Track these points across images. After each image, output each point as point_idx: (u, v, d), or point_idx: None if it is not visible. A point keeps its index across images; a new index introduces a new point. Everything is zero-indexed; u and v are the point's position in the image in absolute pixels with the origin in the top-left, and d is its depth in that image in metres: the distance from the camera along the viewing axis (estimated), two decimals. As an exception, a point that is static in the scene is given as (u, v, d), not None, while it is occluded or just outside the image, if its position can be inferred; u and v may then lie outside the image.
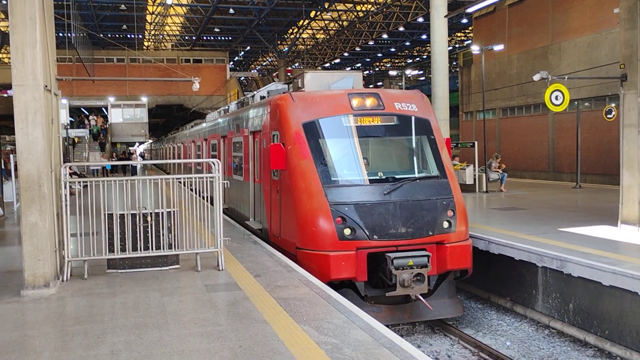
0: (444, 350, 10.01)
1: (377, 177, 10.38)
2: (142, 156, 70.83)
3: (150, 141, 68.52)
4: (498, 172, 22.22)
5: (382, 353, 5.48)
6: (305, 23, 46.12)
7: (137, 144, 59.08)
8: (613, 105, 23.15)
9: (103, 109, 50.61)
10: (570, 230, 12.57)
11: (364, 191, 10.08)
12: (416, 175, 10.70)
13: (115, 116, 45.27)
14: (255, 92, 15.52)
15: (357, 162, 10.53)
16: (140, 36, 52.05)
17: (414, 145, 11.21)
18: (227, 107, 20.19)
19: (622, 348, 9.22)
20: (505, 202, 18.42)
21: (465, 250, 10.39)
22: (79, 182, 9.07)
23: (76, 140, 38.38)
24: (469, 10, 16.02)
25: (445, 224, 10.24)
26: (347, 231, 9.73)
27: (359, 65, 67.65)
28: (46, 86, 8.06)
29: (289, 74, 49.36)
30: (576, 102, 24.39)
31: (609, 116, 22.65)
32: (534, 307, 11.20)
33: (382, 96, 11.10)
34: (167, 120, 67.87)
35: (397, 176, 10.47)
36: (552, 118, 28.65)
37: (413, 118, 11.12)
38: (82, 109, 51.73)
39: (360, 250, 9.77)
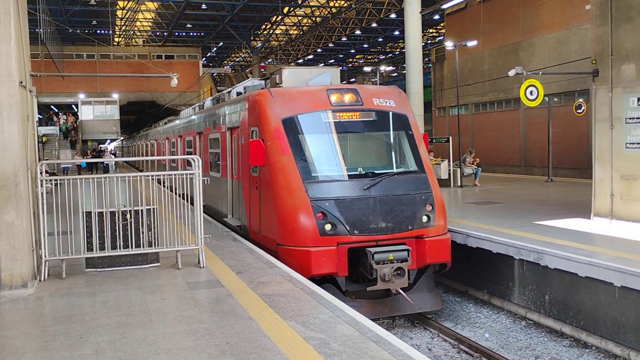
0: (424, 344, 10.11)
1: (357, 173, 10.43)
2: (114, 154, 69.85)
3: (122, 138, 67.61)
4: (472, 166, 22.48)
5: (370, 347, 5.51)
6: (278, 19, 45.95)
7: (108, 141, 58.22)
8: (581, 100, 23.60)
9: (73, 106, 49.73)
10: (545, 223, 12.79)
11: (344, 186, 10.15)
12: (395, 170, 10.80)
13: (86, 113, 44.44)
14: (231, 88, 15.47)
15: (336, 158, 10.57)
16: (111, 32, 51.25)
17: (392, 140, 11.27)
18: (202, 104, 20.00)
19: (597, 338, 9.42)
20: (480, 197, 18.66)
21: (444, 244, 10.51)
22: (56, 180, 8.92)
23: (44, 138, 37.65)
24: (444, 6, 16.16)
25: (424, 219, 10.33)
26: (327, 227, 9.76)
27: (332, 61, 67.68)
28: (21, 82, 7.91)
29: (262, 70, 49.17)
30: (547, 98, 24.79)
31: (578, 111, 23.09)
32: (511, 300, 11.38)
33: (360, 92, 11.16)
34: (138, 117, 67.09)
35: (376, 171, 10.54)
36: (523, 113, 29.06)
37: (391, 114, 11.19)
38: (51, 106, 50.81)
39: (341, 245, 9.82)
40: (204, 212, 14.24)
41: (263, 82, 14.06)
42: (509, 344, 10.00)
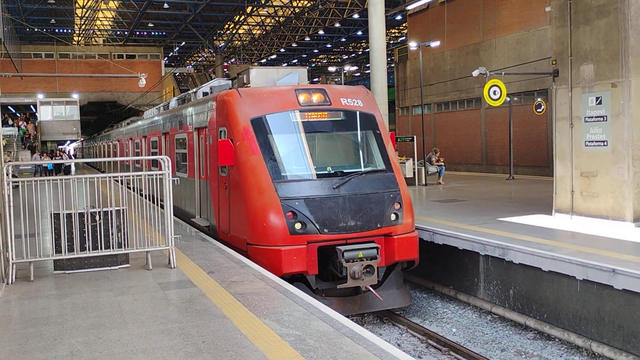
0: (394, 339, 10.28)
1: (326, 172, 10.51)
2: (75, 155, 68.49)
3: (81, 139, 66.40)
4: (438, 164, 22.86)
5: (345, 342, 5.62)
6: (241, 19, 45.81)
7: (68, 142, 57.09)
8: (540, 99, 24.23)
9: (32, 106, 48.63)
10: (508, 219, 13.13)
11: (314, 186, 10.22)
12: (363, 169, 10.90)
13: (45, 114, 43.58)
14: (197, 88, 15.34)
15: (305, 157, 10.62)
16: (70, 31, 50.32)
17: (360, 140, 11.37)
18: (166, 104, 19.78)
19: (560, 330, 9.74)
20: (444, 195, 18.99)
21: (412, 241, 10.68)
22: (23, 181, 8.78)
23: (4, 141, 36.75)
24: (410, 7, 16.40)
25: (393, 217, 10.46)
26: (297, 226, 9.82)
27: (295, 61, 67.75)
28: (-13, 83, 7.78)
29: (225, 70, 48.92)
30: (507, 97, 25.35)
31: (538, 110, 23.70)
32: (476, 295, 11.65)
33: (328, 92, 11.23)
34: (99, 117, 65.96)
35: (345, 170, 10.63)
36: (484, 112, 29.66)
37: (359, 113, 11.30)
38: (8, 107, 49.58)
39: (311, 244, 9.89)
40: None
41: (229, 82, 14.02)
42: (475, 338, 10.25)
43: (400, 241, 10.48)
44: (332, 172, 10.54)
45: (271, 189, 10.00)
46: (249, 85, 11.99)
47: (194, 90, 15.65)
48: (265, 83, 12.06)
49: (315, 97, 11.03)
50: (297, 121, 10.77)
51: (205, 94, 14.40)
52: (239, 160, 10.49)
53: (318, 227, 9.88)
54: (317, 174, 10.43)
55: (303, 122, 10.79)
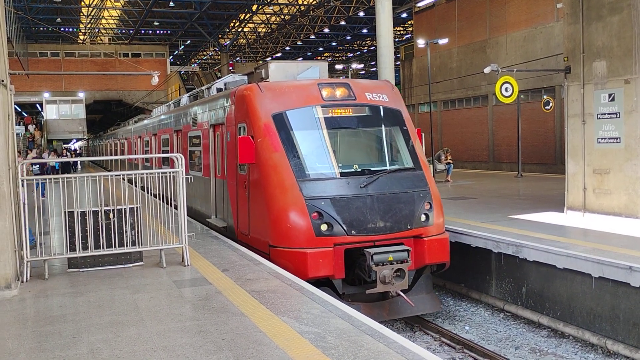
0: (407, 337, 10.25)
1: (352, 170, 10.05)
2: (80, 154, 68.62)
3: (87, 138, 66.54)
4: (446, 162, 22.85)
5: (365, 339, 5.60)
6: (247, 17, 45.77)
7: (73, 140, 57.22)
8: (547, 97, 24.16)
9: (37, 105, 48.75)
10: (520, 217, 13.08)
11: (340, 185, 9.75)
12: (391, 167, 10.43)
13: (50, 112, 43.73)
14: (210, 84, 14.93)
15: (331, 155, 10.17)
16: (76, 29, 50.38)
17: (387, 136, 10.89)
18: (177, 100, 19.31)
19: (574, 328, 9.69)
20: (453, 192, 18.94)
21: (443, 243, 10.21)
22: (39, 179, 8.78)
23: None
24: (419, 4, 16.35)
25: (423, 217, 9.98)
26: (323, 227, 9.34)
27: (300, 59, 67.70)
28: (2, 81, 7.78)
29: (231, 68, 48.93)
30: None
31: (547, 107, 23.61)
32: (489, 292, 11.61)
33: (352, 86, 10.78)
34: (105, 116, 66.07)
35: (372, 168, 10.17)
36: (491, 110, 29.58)
37: (385, 109, 10.84)
38: (15, 106, 49.63)
39: (338, 246, 9.39)
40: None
41: (245, 77, 13.47)
42: (488, 336, 10.21)
43: (431, 243, 10.00)
44: (359, 170, 10.07)
45: (295, 188, 9.53)
46: (267, 80, 11.47)
47: (207, 86, 15.21)
48: (284, 78, 11.48)
49: (339, 92, 10.56)
50: (321, 117, 10.29)
51: (219, 89, 13.96)
52: (260, 157, 10.00)
53: (345, 229, 9.39)
54: (343, 173, 9.96)
55: (327, 117, 10.31)
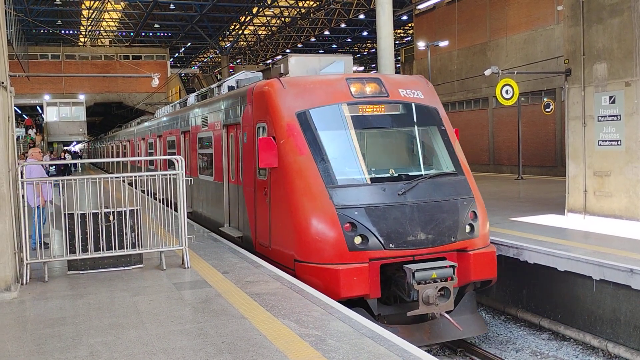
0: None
1: (388, 175, 9.03)
2: (80, 156, 68.68)
3: (87, 140, 66.63)
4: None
5: (366, 343, 5.59)
6: (247, 19, 45.83)
7: (74, 143, 57.25)
8: (545, 99, 24.18)
9: (38, 107, 48.80)
10: (521, 219, 13.06)
11: (375, 192, 8.70)
12: (431, 172, 9.35)
13: (51, 115, 43.78)
14: (221, 82, 13.94)
15: (363, 158, 9.19)
16: (76, 32, 50.44)
17: (424, 137, 9.85)
18: (184, 100, 18.45)
19: (575, 330, 9.67)
20: (453, 195, 18.89)
21: (490, 257, 9.12)
22: (38, 181, 8.78)
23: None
24: (420, 6, 16.36)
25: (467, 228, 8.93)
26: (357, 239, 8.30)
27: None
28: (2, 83, 7.77)
29: (231, 70, 48.95)
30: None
31: (547, 110, 23.63)
32: (489, 295, 11.59)
33: (384, 82, 9.76)
34: (105, 118, 66.14)
35: (410, 173, 9.15)
36: (491, 113, 29.60)
37: (421, 106, 9.82)
38: (15, 108, 49.69)
39: (373, 261, 8.33)
40: (191, 219, 13.80)
41: (259, 74, 12.44)
42: (489, 339, 10.19)
43: (477, 257, 8.92)
44: (395, 175, 9.03)
45: (324, 196, 8.51)
46: (287, 75, 10.47)
47: (217, 84, 14.31)
48: (305, 73, 10.47)
49: (370, 88, 9.55)
50: (350, 115, 9.28)
51: (230, 87, 13.00)
52: (283, 161, 8.99)
53: (382, 242, 8.33)
54: (377, 178, 8.90)
55: (358, 116, 9.30)
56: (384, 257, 8.38)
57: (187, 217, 13.61)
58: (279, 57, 58.37)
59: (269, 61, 59.76)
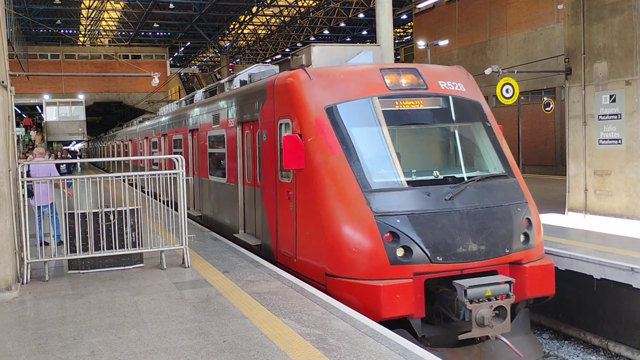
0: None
1: (432, 178, 8.03)
2: (80, 155, 68.70)
3: (87, 140, 66.64)
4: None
5: (367, 341, 5.58)
6: (247, 19, 45.81)
7: (73, 142, 57.27)
8: (545, 98, 24.17)
9: (37, 107, 48.81)
10: (521, 218, 13.03)
11: (418, 196, 7.70)
12: (480, 174, 8.36)
13: (50, 114, 43.80)
14: (232, 76, 13.10)
15: (403, 158, 8.23)
16: (75, 31, 50.43)
17: (469, 135, 8.89)
18: (191, 97, 17.58)
19: (575, 329, 9.67)
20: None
21: (547, 271, 8.09)
22: (38, 181, 8.77)
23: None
24: (420, 5, 16.35)
25: (522, 238, 7.95)
26: (400, 251, 7.30)
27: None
28: (2, 82, 7.76)
29: (231, 70, 48.93)
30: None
31: (547, 109, 23.62)
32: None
33: (422, 72, 8.79)
34: (104, 118, 66.15)
35: (457, 175, 8.14)
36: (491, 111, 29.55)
37: (463, 100, 8.85)
38: (15, 107, 49.71)
39: (418, 276, 7.33)
40: (200, 223, 13.67)
41: (274, 67, 11.56)
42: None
43: (534, 271, 7.88)
44: (440, 178, 8.04)
45: (361, 201, 7.53)
46: (310, 67, 9.41)
47: (228, 78, 13.49)
48: (330, 64, 9.45)
49: (407, 79, 8.59)
50: (387, 110, 8.31)
51: (243, 82, 12.15)
52: (312, 161, 8.03)
53: (429, 254, 7.31)
54: (420, 181, 7.93)
55: (395, 111, 8.34)
56: (429, 272, 7.38)
57: (197, 222, 13.61)
58: (278, 56, 58.38)
59: (269, 60, 59.76)
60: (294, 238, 8.49)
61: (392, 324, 6.83)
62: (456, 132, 8.74)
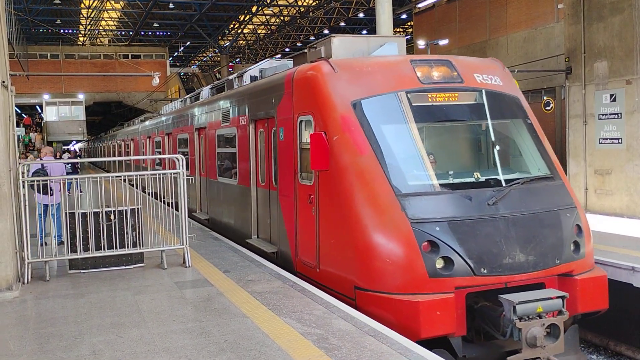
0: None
1: (473, 180, 7.31)
2: (80, 155, 68.67)
3: (87, 139, 66.60)
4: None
5: (368, 341, 5.58)
6: (247, 18, 45.80)
7: (73, 142, 57.27)
8: (545, 98, 24.16)
9: (37, 106, 48.81)
10: (521, 218, 13.04)
11: (458, 201, 6.98)
12: (525, 176, 7.60)
13: (50, 114, 43.80)
14: (241, 72, 12.50)
15: (440, 159, 7.60)
16: (75, 31, 50.43)
17: (509, 132, 8.16)
18: (197, 94, 16.96)
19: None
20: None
21: (601, 283, 7.33)
22: (39, 180, 8.77)
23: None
24: (420, 5, 16.35)
25: (572, 247, 7.20)
26: (439, 263, 6.59)
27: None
28: (3, 82, 7.77)
29: (230, 69, 48.92)
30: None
31: (547, 108, 23.60)
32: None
33: (456, 65, 8.06)
34: (104, 117, 66.15)
35: (499, 178, 7.36)
36: (492, 111, 29.57)
37: (501, 95, 8.08)
38: (15, 107, 49.75)
39: (459, 290, 6.60)
40: (208, 226, 13.53)
41: (288, 62, 10.92)
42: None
43: (586, 283, 7.14)
44: (482, 180, 7.32)
45: (395, 207, 6.82)
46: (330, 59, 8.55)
47: (238, 74, 12.73)
48: (351, 56, 8.66)
49: (440, 72, 7.85)
50: (420, 105, 7.56)
51: (253, 78, 11.53)
52: (338, 162, 7.31)
53: (472, 265, 6.59)
54: (459, 184, 7.20)
55: (429, 106, 7.58)
56: (472, 285, 6.66)
57: (204, 225, 13.53)
58: (278, 56, 58.45)
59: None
60: (317, 246, 7.77)
61: (429, 343, 6.31)
62: (496, 129, 7.89)
